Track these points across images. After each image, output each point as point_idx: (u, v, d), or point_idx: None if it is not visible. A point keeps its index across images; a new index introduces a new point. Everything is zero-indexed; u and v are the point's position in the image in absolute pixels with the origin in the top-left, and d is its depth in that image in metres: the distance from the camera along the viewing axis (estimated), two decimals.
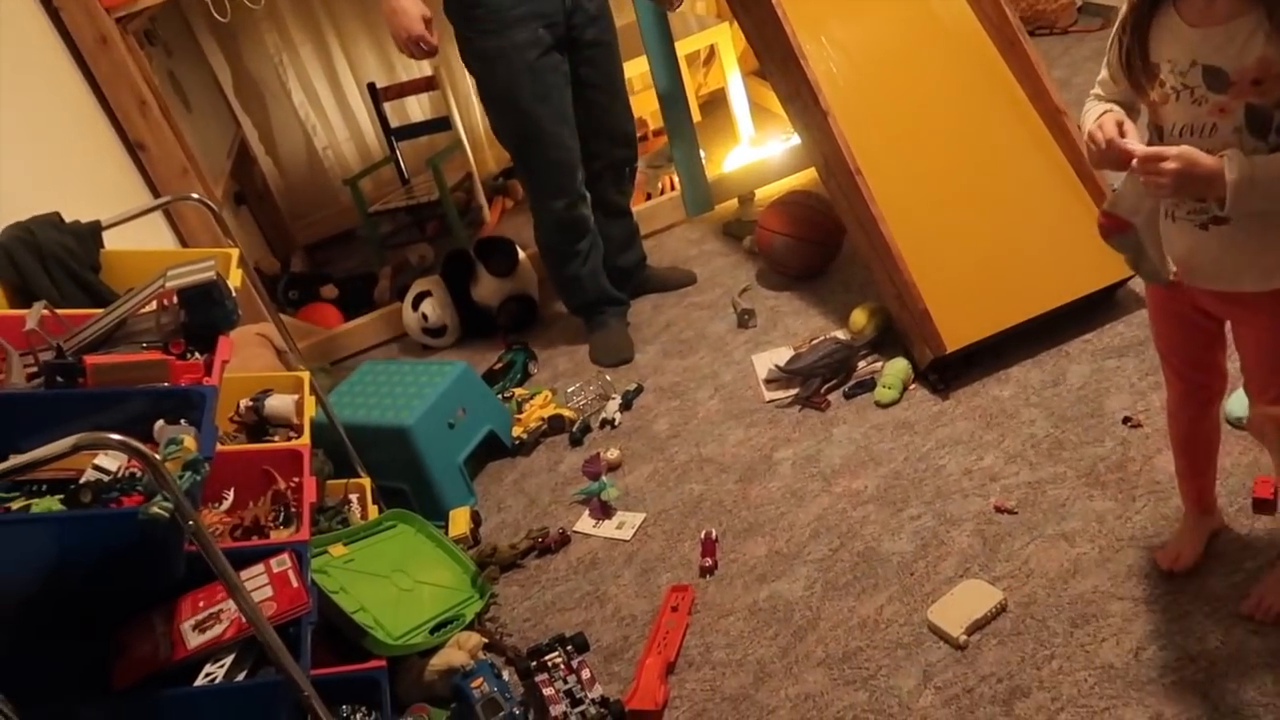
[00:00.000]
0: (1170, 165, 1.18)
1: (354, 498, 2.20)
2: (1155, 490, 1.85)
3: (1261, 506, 1.75)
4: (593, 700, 1.76)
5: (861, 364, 2.44)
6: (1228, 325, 1.45)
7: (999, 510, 1.92)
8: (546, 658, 1.86)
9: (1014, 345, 2.31)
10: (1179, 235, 1.32)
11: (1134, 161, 1.22)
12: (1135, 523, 1.80)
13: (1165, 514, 1.80)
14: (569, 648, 1.88)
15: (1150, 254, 1.36)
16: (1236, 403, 1.86)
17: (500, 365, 2.84)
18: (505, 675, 1.87)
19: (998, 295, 2.30)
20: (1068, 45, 4.00)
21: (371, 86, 3.89)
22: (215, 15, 2.68)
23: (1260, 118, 1.18)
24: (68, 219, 1.79)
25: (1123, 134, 1.26)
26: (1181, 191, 1.23)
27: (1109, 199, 1.37)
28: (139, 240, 2.22)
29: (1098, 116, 1.31)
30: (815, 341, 2.51)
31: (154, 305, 1.57)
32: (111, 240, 1.85)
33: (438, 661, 1.86)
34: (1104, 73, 1.37)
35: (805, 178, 3.26)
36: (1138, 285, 2.38)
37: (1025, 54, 2.46)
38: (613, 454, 2.37)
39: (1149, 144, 1.27)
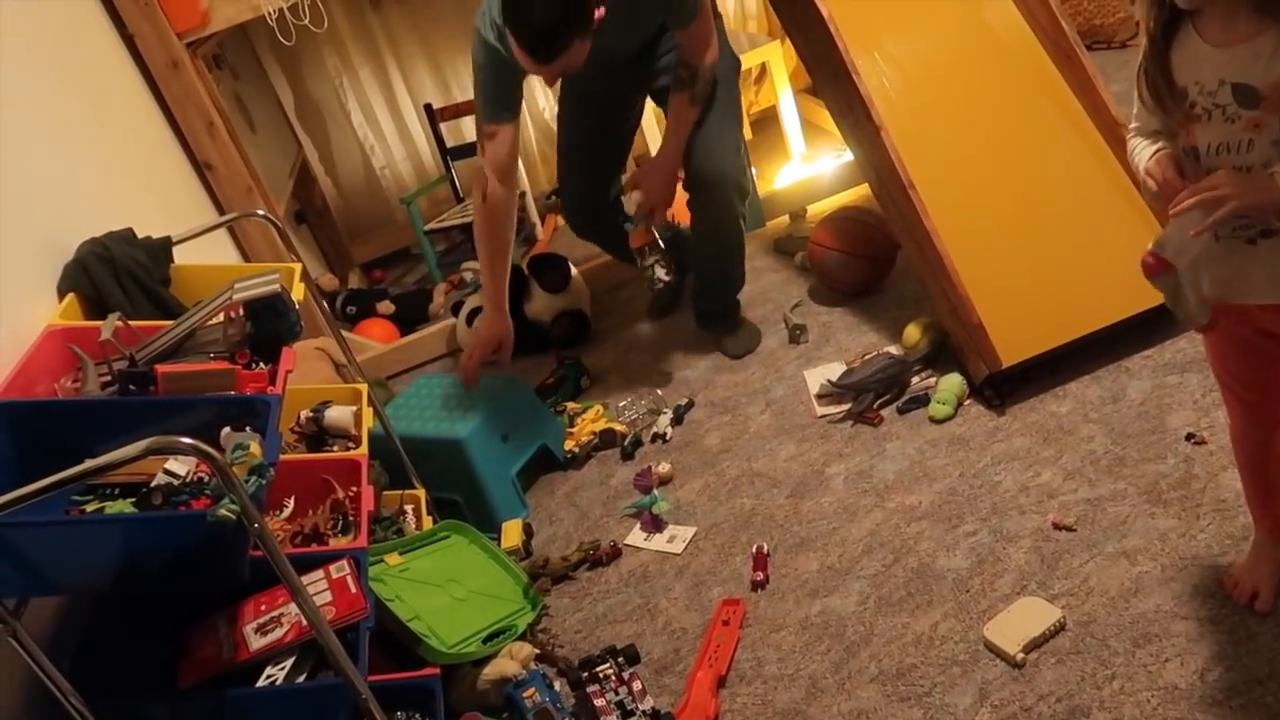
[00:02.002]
0: (1218, 193, 1.18)
1: (409, 508, 2.24)
2: (1220, 508, 1.81)
3: None
4: (644, 712, 1.76)
5: (915, 379, 2.42)
6: None
7: (1057, 527, 1.89)
8: (598, 669, 1.86)
9: (1071, 361, 2.27)
10: (1227, 254, 1.29)
11: (1187, 201, 1.21)
12: (1200, 541, 1.76)
13: (1231, 532, 1.75)
14: (620, 659, 1.88)
15: (1189, 296, 1.36)
16: None
17: (552, 380, 2.87)
18: (557, 686, 1.88)
19: (1054, 310, 2.27)
20: (1126, 59, 3.95)
21: (428, 107, 3.98)
22: (280, 39, 2.77)
23: None
24: (140, 235, 1.86)
25: (1179, 171, 1.26)
26: (1246, 206, 1.19)
27: (1156, 239, 1.36)
28: (206, 256, 2.29)
29: (1152, 154, 1.31)
30: (868, 357, 2.49)
31: (221, 317, 1.62)
32: (181, 256, 1.92)
33: (490, 671, 1.88)
34: (1136, 105, 1.36)
35: (856, 194, 3.25)
36: None
37: (1082, 67, 2.43)
38: (664, 468, 2.38)
39: (1186, 168, 1.27)
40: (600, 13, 2.05)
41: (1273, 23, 1.14)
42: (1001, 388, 2.27)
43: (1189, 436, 1.98)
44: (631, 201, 2.57)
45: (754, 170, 3.39)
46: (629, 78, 2.57)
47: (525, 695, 1.80)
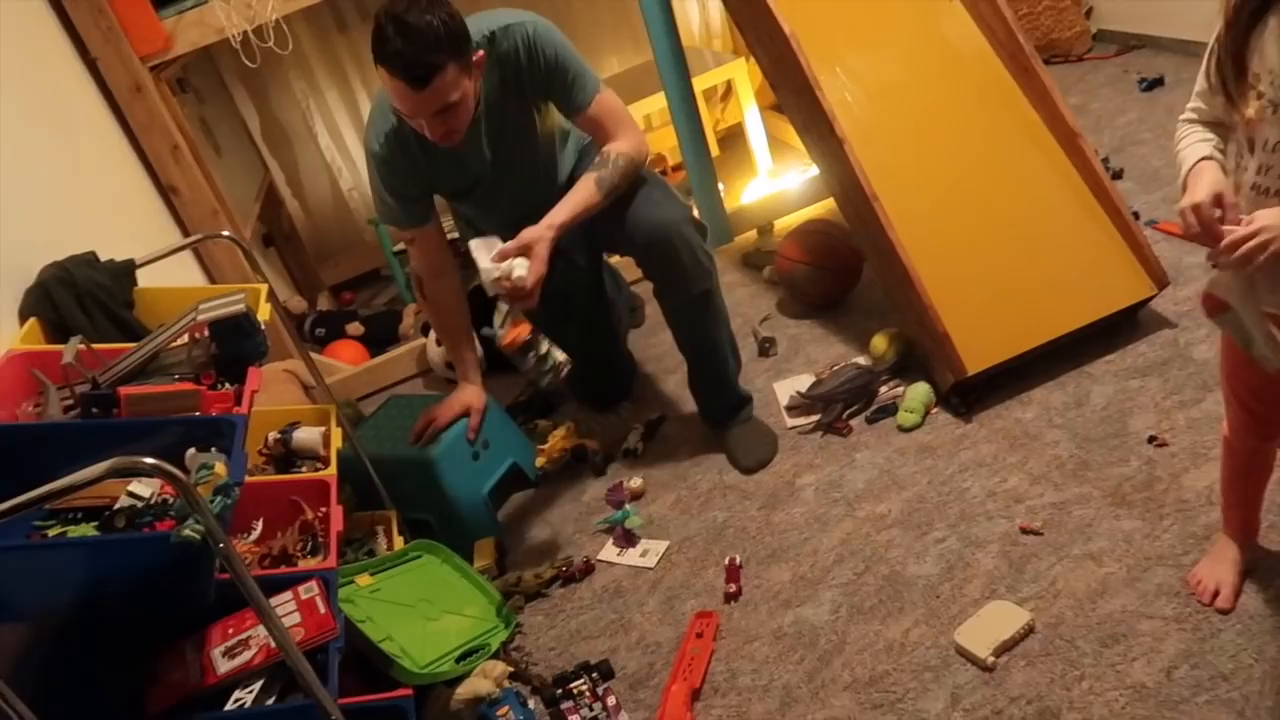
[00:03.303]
0: (1259, 239, 1.14)
1: (380, 529, 2.22)
2: (1183, 508, 1.84)
3: None
4: None
5: (883, 389, 2.44)
6: None
7: (1024, 531, 1.91)
8: (572, 685, 1.86)
9: (1035, 367, 2.31)
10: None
11: (1223, 247, 1.17)
12: (1164, 541, 1.79)
13: (1193, 532, 1.78)
14: (594, 675, 1.88)
15: (1257, 336, 1.29)
16: None
17: (524, 397, 2.87)
18: (531, 704, 1.87)
19: (1018, 318, 2.31)
20: (1083, 73, 4.03)
21: None
22: (245, 61, 2.76)
23: None
24: (103, 259, 1.85)
25: (1220, 205, 1.20)
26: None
27: (1211, 279, 1.31)
28: (171, 279, 2.27)
29: (1193, 165, 1.25)
30: (836, 368, 2.52)
31: (186, 338, 1.61)
32: (145, 279, 1.90)
33: (464, 691, 1.86)
34: (1199, 84, 1.31)
35: (823, 208, 3.29)
36: (1159, 305, 2.38)
37: (1039, 79, 2.48)
38: (636, 483, 2.38)
39: (1239, 160, 1.23)
40: (480, 55, 1.94)
41: None
42: (968, 395, 2.30)
43: (1151, 439, 2.01)
44: (518, 267, 1.99)
45: (722, 186, 3.42)
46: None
47: (499, 714, 1.79)
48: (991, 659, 1.66)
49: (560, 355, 2.10)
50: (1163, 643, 1.61)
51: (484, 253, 2.03)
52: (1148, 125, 3.36)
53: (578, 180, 2.15)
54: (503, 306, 2.06)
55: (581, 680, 1.87)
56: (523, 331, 2.06)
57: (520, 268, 2.00)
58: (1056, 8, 4.20)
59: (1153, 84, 3.63)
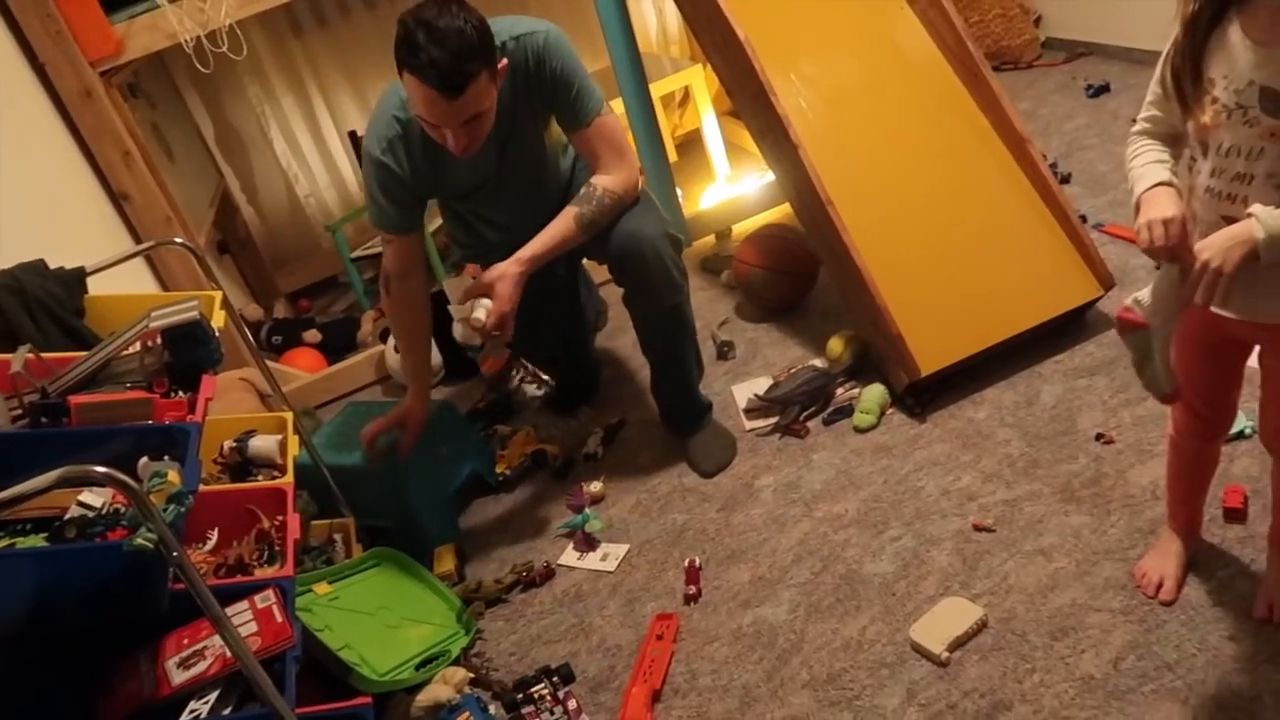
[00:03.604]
0: (1210, 269, 1.17)
1: (338, 537, 2.21)
2: (1129, 504, 1.88)
3: (1232, 516, 1.78)
4: None
5: (839, 391, 2.48)
6: (1248, 365, 1.45)
7: (977, 529, 1.95)
8: (533, 690, 1.86)
9: (987, 368, 2.35)
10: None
11: (1199, 299, 1.20)
12: (1111, 536, 1.83)
13: (1139, 526, 1.83)
14: (555, 679, 1.88)
15: (1156, 360, 1.34)
16: None
17: (483, 404, 2.86)
18: (492, 709, 1.87)
19: (970, 320, 2.35)
20: (1032, 79, 4.11)
21: (353, 135, 3.96)
22: (198, 66, 2.73)
23: None
24: (52, 266, 1.82)
25: (1171, 234, 1.23)
26: (1237, 265, 1.17)
27: (1135, 295, 1.35)
28: (123, 288, 2.24)
29: (1147, 188, 1.28)
30: (793, 370, 2.55)
31: (138, 346, 1.59)
32: (96, 288, 1.88)
33: (424, 698, 1.86)
34: (1152, 93, 1.33)
35: (780, 213, 3.33)
36: (1106, 306, 2.44)
37: (989, 85, 2.53)
38: (595, 487, 2.39)
39: (1192, 164, 1.27)
40: (504, 63, 1.93)
41: None
42: (922, 396, 2.34)
43: (1098, 437, 2.06)
44: (469, 310, 2.02)
45: (680, 191, 3.44)
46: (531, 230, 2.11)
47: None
48: (946, 654, 1.69)
49: (533, 389, 2.11)
50: (1110, 635, 1.65)
51: (455, 293, 2.03)
52: (1095, 130, 3.44)
53: (572, 191, 2.14)
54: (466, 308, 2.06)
55: (542, 685, 1.87)
56: (497, 363, 2.07)
57: (480, 309, 2.00)
58: (1006, 15, 4.28)
59: (1099, 90, 3.71)
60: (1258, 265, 1.18)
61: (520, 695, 1.86)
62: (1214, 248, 1.18)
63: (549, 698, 1.84)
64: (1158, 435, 2.01)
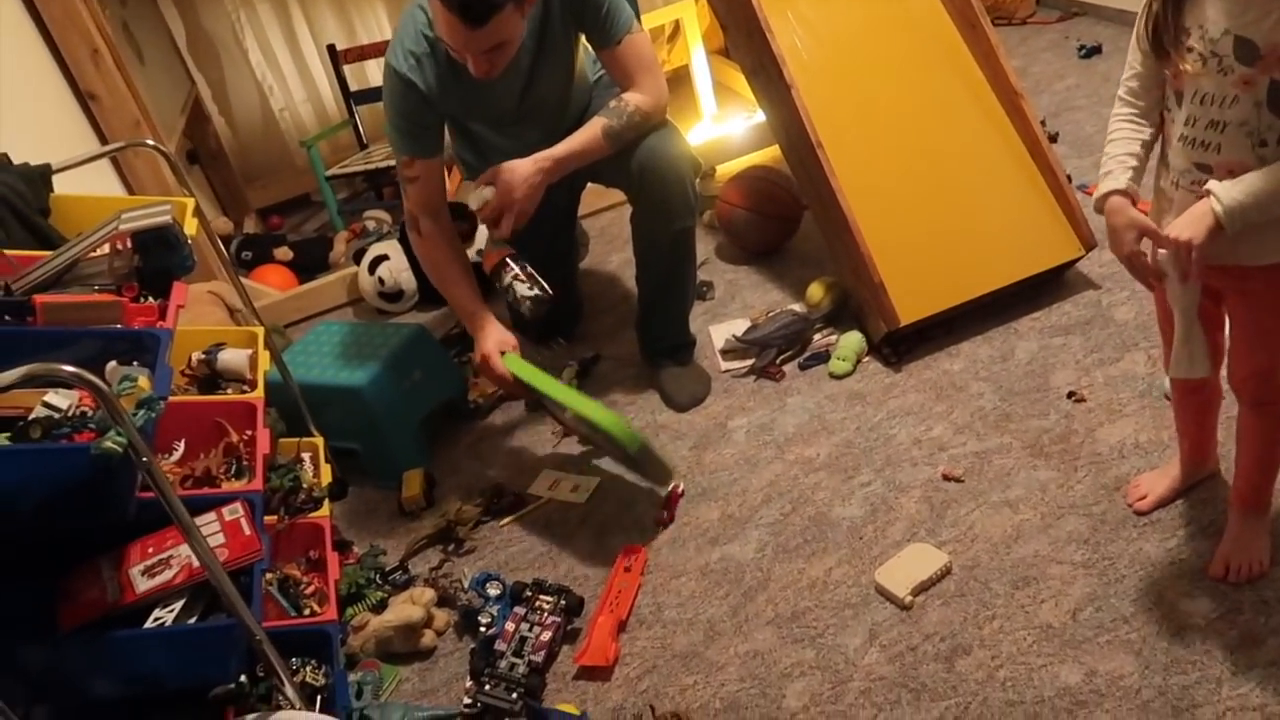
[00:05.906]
0: (1181, 248, 1.26)
1: (306, 456, 2.18)
2: (1096, 461, 1.91)
3: None
4: (530, 660, 1.75)
5: (817, 336, 2.47)
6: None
7: (946, 478, 1.96)
8: (540, 599, 1.86)
9: (965, 321, 2.36)
10: (1182, 205, 1.32)
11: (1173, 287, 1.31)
12: (1076, 491, 1.86)
13: (1105, 484, 1.85)
14: (564, 601, 1.86)
15: (1182, 341, 1.39)
16: None
17: (458, 330, 2.83)
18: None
19: (951, 272, 2.35)
20: (1025, 35, 4.08)
21: (331, 49, 3.84)
22: None
23: None
24: (15, 163, 1.75)
25: (1143, 235, 1.33)
26: (1204, 241, 1.25)
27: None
28: (88, 189, 2.17)
29: (1109, 194, 1.37)
30: (772, 314, 2.53)
31: (106, 248, 1.54)
32: (61, 187, 1.81)
33: (392, 617, 1.87)
34: (1132, 53, 1.37)
35: (766, 155, 3.28)
36: (1085, 267, 2.45)
37: (986, 37, 2.50)
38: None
39: (1168, 113, 1.34)
40: None
41: None
42: (899, 346, 2.34)
43: (1070, 394, 2.08)
44: (478, 197, 2.06)
45: None
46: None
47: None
48: (909, 598, 1.72)
49: (524, 289, 2.06)
50: (1070, 586, 1.68)
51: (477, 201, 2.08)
52: (1085, 91, 3.42)
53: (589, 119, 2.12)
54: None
55: (550, 599, 1.86)
56: (494, 258, 2.09)
57: (480, 197, 2.04)
58: None
59: (1091, 51, 3.68)
60: (1224, 235, 1.24)
61: (528, 593, 1.87)
62: (1181, 226, 1.26)
63: (546, 611, 1.83)
64: (1129, 395, 2.03)
